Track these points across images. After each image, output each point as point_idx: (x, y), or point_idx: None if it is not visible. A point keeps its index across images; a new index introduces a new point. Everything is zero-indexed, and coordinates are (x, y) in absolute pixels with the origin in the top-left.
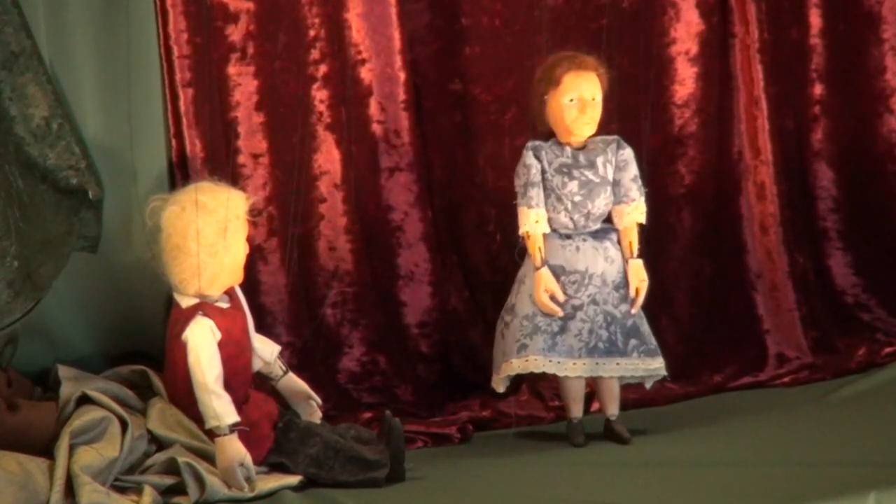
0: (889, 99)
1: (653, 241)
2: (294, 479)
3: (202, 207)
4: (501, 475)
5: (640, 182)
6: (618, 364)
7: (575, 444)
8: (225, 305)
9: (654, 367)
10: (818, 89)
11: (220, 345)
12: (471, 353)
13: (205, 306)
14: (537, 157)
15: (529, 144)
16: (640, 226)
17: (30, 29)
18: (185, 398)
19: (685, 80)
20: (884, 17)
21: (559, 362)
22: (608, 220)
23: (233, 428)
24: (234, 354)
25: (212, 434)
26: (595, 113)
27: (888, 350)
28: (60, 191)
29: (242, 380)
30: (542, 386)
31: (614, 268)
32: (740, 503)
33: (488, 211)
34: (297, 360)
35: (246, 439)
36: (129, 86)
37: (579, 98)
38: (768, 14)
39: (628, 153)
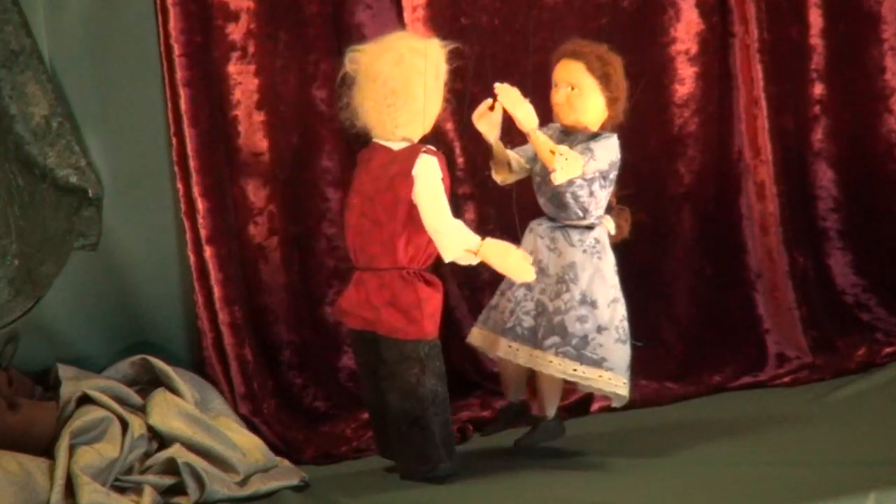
0: (889, 99)
1: (653, 241)
2: (294, 479)
3: (419, 53)
4: (501, 475)
5: (593, 157)
6: (531, 355)
7: (485, 431)
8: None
9: (584, 374)
10: (818, 89)
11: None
12: (470, 353)
13: (425, 146)
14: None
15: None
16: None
17: (29, 27)
18: (397, 239)
19: (685, 80)
20: (884, 17)
21: (485, 335)
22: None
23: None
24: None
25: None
26: (577, 101)
27: (888, 350)
28: (60, 189)
29: None
30: None
31: (560, 260)
32: (740, 503)
33: (488, 210)
34: (297, 358)
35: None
36: (130, 84)
37: (562, 84)
38: (768, 13)
39: (592, 144)
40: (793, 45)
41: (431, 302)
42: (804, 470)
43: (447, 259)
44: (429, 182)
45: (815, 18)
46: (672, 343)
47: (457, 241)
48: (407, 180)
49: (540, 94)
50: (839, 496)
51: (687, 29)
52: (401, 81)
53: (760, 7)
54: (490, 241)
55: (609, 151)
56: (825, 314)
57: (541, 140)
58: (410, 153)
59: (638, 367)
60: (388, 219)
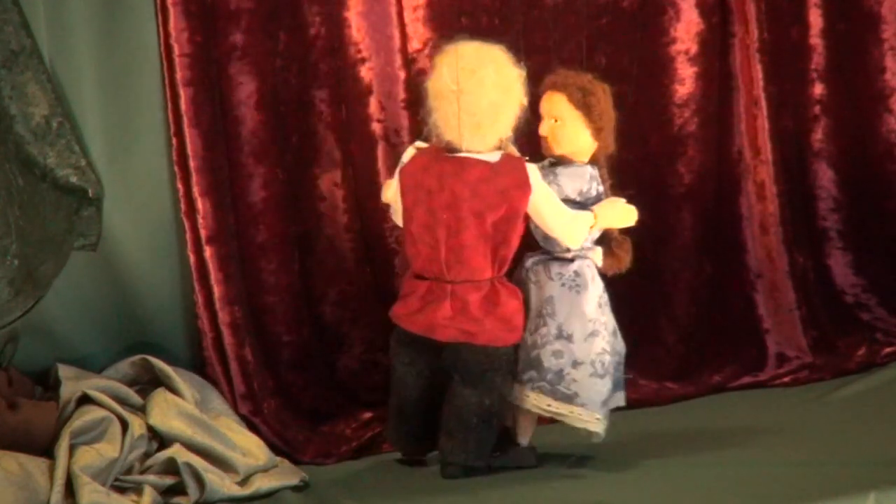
0: (889, 99)
1: (653, 241)
2: (294, 479)
3: (508, 63)
4: (502, 475)
5: (556, 182)
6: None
7: None
8: None
9: (557, 410)
10: (818, 89)
11: None
12: None
13: (519, 155)
14: None
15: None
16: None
17: (30, 27)
18: (508, 251)
19: (685, 80)
20: (884, 17)
21: None
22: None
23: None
24: None
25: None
26: (560, 133)
27: (888, 350)
28: (60, 189)
29: None
30: None
31: (540, 294)
32: (740, 503)
33: None
34: (297, 358)
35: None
36: (129, 84)
37: (547, 116)
38: (768, 14)
39: (559, 169)
40: (793, 45)
41: (523, 307)
42: (804, 470)
43: (576, 247)
44: (543, 187)
45: (815, 18)
46: (672, 343)
47: (582, 227)
48: (522, 192)
49: (536, 95)
50: (839, 496)
51: (687, 29)
52: (502, 91)
53: (760, 7)
54: (599, 209)
55: (576, 179)
56: (825, 314)
57: (510, 150)
58: (513, 165)
59: (638, 368)
60: (496, 231)
